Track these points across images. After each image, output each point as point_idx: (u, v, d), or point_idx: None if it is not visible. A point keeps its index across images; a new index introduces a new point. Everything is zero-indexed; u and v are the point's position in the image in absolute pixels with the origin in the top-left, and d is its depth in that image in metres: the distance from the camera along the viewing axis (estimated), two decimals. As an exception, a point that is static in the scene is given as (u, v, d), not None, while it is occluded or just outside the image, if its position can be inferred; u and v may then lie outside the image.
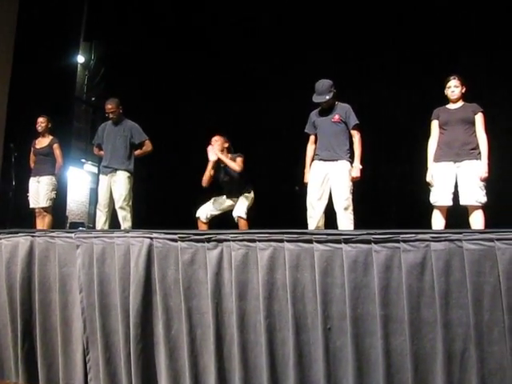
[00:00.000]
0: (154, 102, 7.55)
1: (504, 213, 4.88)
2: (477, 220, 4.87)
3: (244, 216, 5.77)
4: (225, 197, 6.09)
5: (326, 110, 5.42)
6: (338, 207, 5.18)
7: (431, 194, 5.07)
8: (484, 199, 4.88)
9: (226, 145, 6.05)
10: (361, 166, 5.26)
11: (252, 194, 6.03)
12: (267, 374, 4.09)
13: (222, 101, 6.77)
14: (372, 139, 5.70)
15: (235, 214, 5.82)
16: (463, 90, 5.16)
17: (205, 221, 5.96)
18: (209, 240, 4.32)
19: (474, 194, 4.87)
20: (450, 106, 5.21)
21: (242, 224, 5.75)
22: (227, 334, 4.25)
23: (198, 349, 4.33)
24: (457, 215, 4.95)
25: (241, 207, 5.86)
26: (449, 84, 5.19)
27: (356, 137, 5.34)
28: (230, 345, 4.24)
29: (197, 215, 5.95)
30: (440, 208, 5.02)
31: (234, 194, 6.04)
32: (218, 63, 7.52)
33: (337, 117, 5.35)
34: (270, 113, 7.20)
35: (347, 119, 5.36)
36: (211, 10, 7.56)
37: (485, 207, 4.88)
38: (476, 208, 4.89)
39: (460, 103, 5.17)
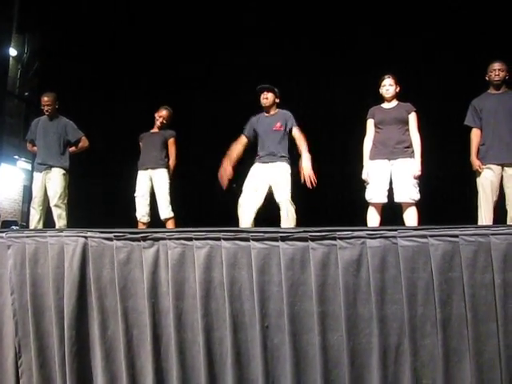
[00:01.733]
0: (90, 98, 7.36)
1: (437, 209, 4.99)
2: (411, 217, 4.98)
3: None
4: None
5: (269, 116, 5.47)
6: (282, 205, 5.20)
7: (366, 192, 5.15)
8: (417, 196, 5.00)
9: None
10: (309, 156, 5.25)
11: None
12: (205, 373, 4.06)
13: (161, 96, 6.64)
14: (307, 137, 5.74)
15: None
16: (397, 89, 5.26)
17: (145, 221, 5.87)
18: (145, 239, 4.24)
19: (408, 192, 4.98)
20: (385, 105, 5.30)
21: None
22: (164, 333, 4.19)
23: (135, 349, 4.26)
24: (392, 212, 5.05)
25: None
26: (383, 83, 5.27)
27: (297, 133, 5.38)
28: (167, 344, 4.18)
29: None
30: (375, 205, 5.10)
31: None
32: (157, 57, 7.37)
33: (278, 125, 5.37)
34: (210, 111, 7.14)
35: (287, 124, 5.39)
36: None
37: (418, 204, 5.00)
38: (410, 205, 5.00)
39: (394, 102, 5.27)
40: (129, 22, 7.15)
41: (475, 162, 5.12)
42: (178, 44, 7.16)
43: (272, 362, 4.01)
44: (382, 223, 4.95)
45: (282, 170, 5.28)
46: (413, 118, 5.17)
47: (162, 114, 6.06)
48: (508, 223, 4.88)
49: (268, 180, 5.26)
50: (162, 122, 6.05)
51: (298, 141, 5.35)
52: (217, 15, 7.07)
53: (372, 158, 5.18)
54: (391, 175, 5.09)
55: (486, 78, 5.21)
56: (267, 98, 5.43)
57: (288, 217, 5.12)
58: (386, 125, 5.18)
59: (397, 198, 5.03)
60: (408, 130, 5.15)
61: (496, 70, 5.14)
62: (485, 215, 4.97)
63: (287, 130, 5.38)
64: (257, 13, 6.87)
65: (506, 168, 5.00)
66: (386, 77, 5.27)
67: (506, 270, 3.78)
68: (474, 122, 5.20)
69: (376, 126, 5.24)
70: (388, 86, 5.24)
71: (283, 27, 6.77)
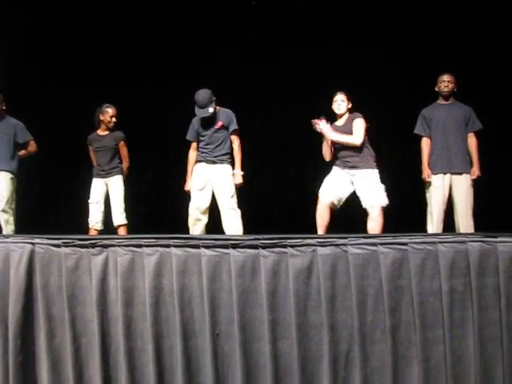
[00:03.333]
0: (41, 100, 7.14)
1: (387, 218, 5.03)
2: (373, 223, 4.95)
3: None
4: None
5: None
6: (226, 210, 5.18)
7: (321, 189, 5.11)
8: (385, 202, 4.97)
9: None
10: (242, 173, 5.29)
11: None
12: (155, 382, 4.01)
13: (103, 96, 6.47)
14: (259, 143, 5.76)
15: None
16: (349, 106, 5.23)
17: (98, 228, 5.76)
18: (94, 245, 4.16)
19: (376, 197, 4.95)
20: (338, 122, 5.26)
21: None
22: (113, 342, 4.12)
23: (83, 359, 4.17)
24: (345, 220, 5.08)
25: None
26: (335, 98, 5.23)
27: (235, 142, 5.36)
28: (116, 353, 4.11)
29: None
30: (323, 203, 5.07)
31: None
32: (93, 55, 7.13)
33: (220, 123, 5.33)
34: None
35: (229, 124, 5.35)
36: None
37: (384, 210, 4.98)
38: (375, 211, 4.99)
39: (345, 117, 5.24)
40: (74, 20, 6.91)
41: (426, 170, 5.19)
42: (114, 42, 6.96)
43: (222, 369, 3.99)
44: (331, 230, 4.95)
45: (225, 171, 5.28)
46: (355, 123, 5.14)
47: (113, 114, 5.90)
48: (456, 232, 4.97)
49: (210, 182, 5.26)
50: (114, 123, 5.90)
51: (235, 151, 5.35)
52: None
53: (336, 164, 5.18)
54: (351, 185, 5.08)
55: (436, 89, 5.31)
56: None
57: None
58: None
59: (365, 204, 4.98)
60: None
61: (445, 82, 5.25)
62: (433, 224, 5.05)
63: (228, 130, 5.37)
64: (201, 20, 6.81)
65: (453, 177, 5.10)
66: (338, 92, 5.24)
67: (453, 278, 3.86)
68: (423, 131, 5.28)
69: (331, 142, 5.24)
70: (340, 102, 5.22)
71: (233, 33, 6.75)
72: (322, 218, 5.04)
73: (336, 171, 5.14)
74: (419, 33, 6.36)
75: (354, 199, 5.05)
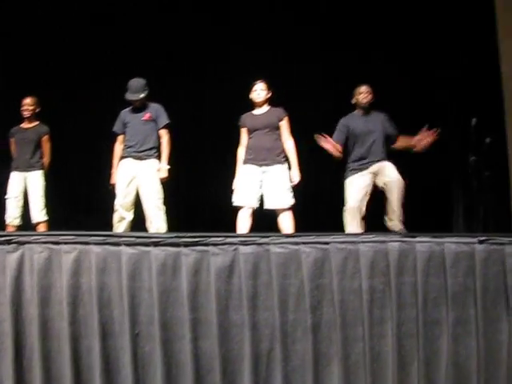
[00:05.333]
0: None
1: (309, 216, 5.07)
2: (286, 222, 5.01)
3: None
4: None
5: (138, 108, 5.31)
6: (150, 207, 5.09)
7: (235, 196, 5.09)
8: (291, 201, 5.03)
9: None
10: (168, 167, 5.22)
11: None
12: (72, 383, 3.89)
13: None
14: (182, 139, 5.70)
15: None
16: (269, 95, 5.25)
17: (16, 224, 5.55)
18: (9, 242, 3.98)
19: (282, 198, 5.00)
20: (256, 111, 5.26)
21: None
22: (28, 342, 3.96)
23: (-5, 361, 4.00)
24: (265, 219, 5.08)
25: None
26: (255, 87, 5.23)
27: (165, 137, 5.30)
28: (30, 354, 3.95)
29: None
30: (245, 209, 5.07)
31: None
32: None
33: (147, 115, 5.26)
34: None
35: (157, 118, 5.29)
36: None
37: (292, 209, 5.05)
38: (284, 211, 5.03)
39: (265, 108, 5.27)
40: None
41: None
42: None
43: (143, 370, 3.92)
44: (254, 230, 4.94)
45: (151, 168, 5.20)
46: (284, 124, 5.19)
47: (27, 103, 5.69)
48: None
49: (135, 179, 5.16)
50: (30, 111, 5.67)
51: (162, 145, 5.29)
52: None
53: (244, 163, 5.18)
54: (263, 182, 5.08)
55: (353, 101, 5.31)
56: None
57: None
58: (256, 131, 5.17)
59: (271, 205, 5.02)
60: (279, 135, 5.17)
61: (364, 93, 5.25)
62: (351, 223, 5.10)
63: (157, 124, 5.30)
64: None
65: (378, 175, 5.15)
66: (258, 82, 5.23)
67: (373, 277, 3.93)
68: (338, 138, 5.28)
69: (248, 132, 5.24)
70: (259, 91, 5.21)
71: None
72: (246, 225, 5.02)
73: (248, 169, 5.14)
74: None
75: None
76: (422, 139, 5.07)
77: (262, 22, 6.62)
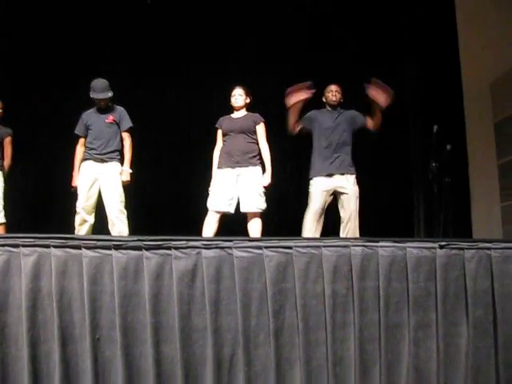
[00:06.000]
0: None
1: (276, 220, 5.09)
2: (256, 226, 5.02)
3: None
4: None
5: (101, 110, 5.28)
6: (113, 210, 5.04)
7: (209, 200, 5.12)
8: (264, 206, 5.05)
9: None
10: (130, 170, 5.22)
11: None
12: (30, 390, 3.80)
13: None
14: (147, 142, 5.67)
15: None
16: (247, 100, 5.30)
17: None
18: (-35, 245, 3.90)
19: (255, 201, 5.02)
20: (234, 114, 5.33)
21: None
22: (-16, 348, 3.86)
23: None
24: (230, 222, 5.07)
25: None
26: (233, 92, 5.31)
27: (127, 140, 5.29)
28: (-12, 360, 3.86)
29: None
30: (215, 213, 5.08)
31: None
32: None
33: (111, 117, 5.22)
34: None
35: (121, 121, 5.26)
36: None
37: (263, 214, 5.07)
38: (255, 215, 5.04)
39: (243, 112, 5.30)
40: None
41: None
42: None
43: (103, 375, 3.84)
44: (219, 233, 4.94)
45: (113, 171, 5.18)
46: (261, 129, 5.24)
47: None
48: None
49: (98, 181, 5.13)
50: None
51: (125, 147, 5.28)
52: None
53: (219, 167, 5.18)
54: (237, 185, 5.10)
55: (323, 99, 5.38)
56: None
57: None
58: (232, 134, 5.20)
59: (243, 208, 5.06)
60: (256, 139, 5.21)
61: (333, 92, 5.33)
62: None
63: (120, 126, 5.29)
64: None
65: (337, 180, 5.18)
66: (237, 87, 5.31)
67: (335, 281, 3.95)
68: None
69: (223, 135, 5.25)
70: (237, 96, 5.28)
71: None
72: (212, 228, 5.04)
73: (222, 174, 5.15)
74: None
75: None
76: (377, 94, 5.12)
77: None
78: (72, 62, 6.55)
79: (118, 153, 5.24)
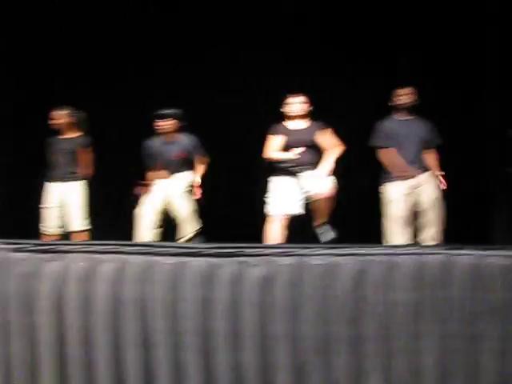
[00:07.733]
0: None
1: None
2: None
3: None
4: None
5: None
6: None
7: (271, 206, 5.13)
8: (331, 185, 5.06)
9: None
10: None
11: None
12: None
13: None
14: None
15: None
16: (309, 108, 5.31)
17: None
18: (47, 251, 4.02)
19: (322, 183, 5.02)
20: (291, 124, 5.35)
21: None
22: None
23: None
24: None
25: None
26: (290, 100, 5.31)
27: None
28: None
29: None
30: (280, 218, 5.05)
31: None
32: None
33: None
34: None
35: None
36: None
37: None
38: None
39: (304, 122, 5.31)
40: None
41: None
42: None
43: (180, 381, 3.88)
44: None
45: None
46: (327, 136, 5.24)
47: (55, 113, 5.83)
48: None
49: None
50: (61, 124, 5.79)
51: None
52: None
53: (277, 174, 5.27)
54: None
55: (392, 104, 5.27)
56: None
57: None
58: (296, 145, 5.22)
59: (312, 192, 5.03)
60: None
61: (405, 95, 5.20)
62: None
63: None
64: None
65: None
66: (295, 95, 5.31)
67: (415, 289, 3.84)
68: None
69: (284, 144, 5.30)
70: (297, 104, 5.30)
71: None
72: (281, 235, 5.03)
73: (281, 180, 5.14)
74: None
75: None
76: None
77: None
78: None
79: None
